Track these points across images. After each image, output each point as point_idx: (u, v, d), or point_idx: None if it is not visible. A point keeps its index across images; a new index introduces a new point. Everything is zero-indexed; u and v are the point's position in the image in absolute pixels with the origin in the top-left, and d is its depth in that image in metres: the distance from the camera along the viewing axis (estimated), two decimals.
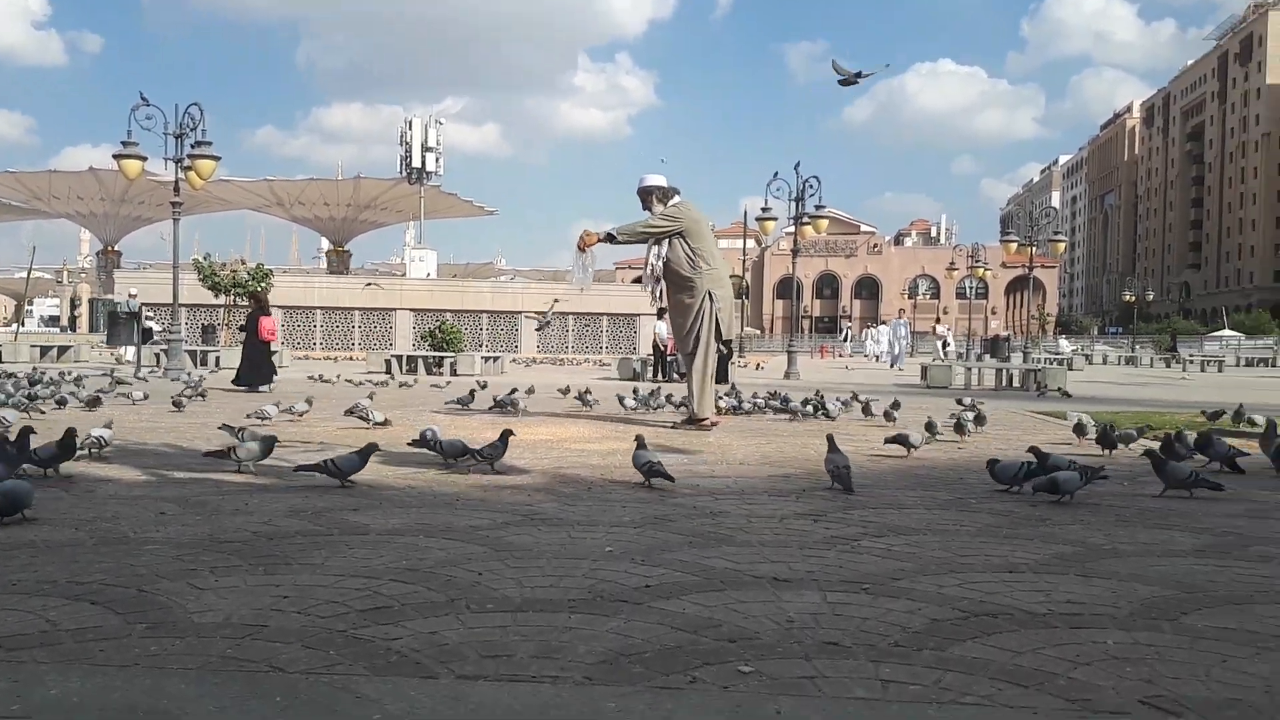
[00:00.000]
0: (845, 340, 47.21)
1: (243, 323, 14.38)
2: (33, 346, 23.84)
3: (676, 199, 7.92)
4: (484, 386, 10.41)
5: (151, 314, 24.72)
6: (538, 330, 32.79)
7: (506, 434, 5.26)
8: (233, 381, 12.64)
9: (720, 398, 8.93)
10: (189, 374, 14.36)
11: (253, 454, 4.91)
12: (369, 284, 32.72)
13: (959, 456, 6.15)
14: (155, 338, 23.17)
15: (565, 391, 9.86)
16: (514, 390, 9.54)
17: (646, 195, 7.95)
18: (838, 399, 9.18)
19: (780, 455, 6.17)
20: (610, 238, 7.82)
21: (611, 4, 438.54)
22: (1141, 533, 3.71)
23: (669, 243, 7.76)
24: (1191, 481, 4.53)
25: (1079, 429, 6.88)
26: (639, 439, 5.00)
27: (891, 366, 26.73)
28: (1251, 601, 2.71)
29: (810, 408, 8.66)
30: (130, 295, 23.60)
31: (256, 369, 12.67)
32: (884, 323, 39.58)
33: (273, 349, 13.61)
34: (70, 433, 4.60)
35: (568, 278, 9.72)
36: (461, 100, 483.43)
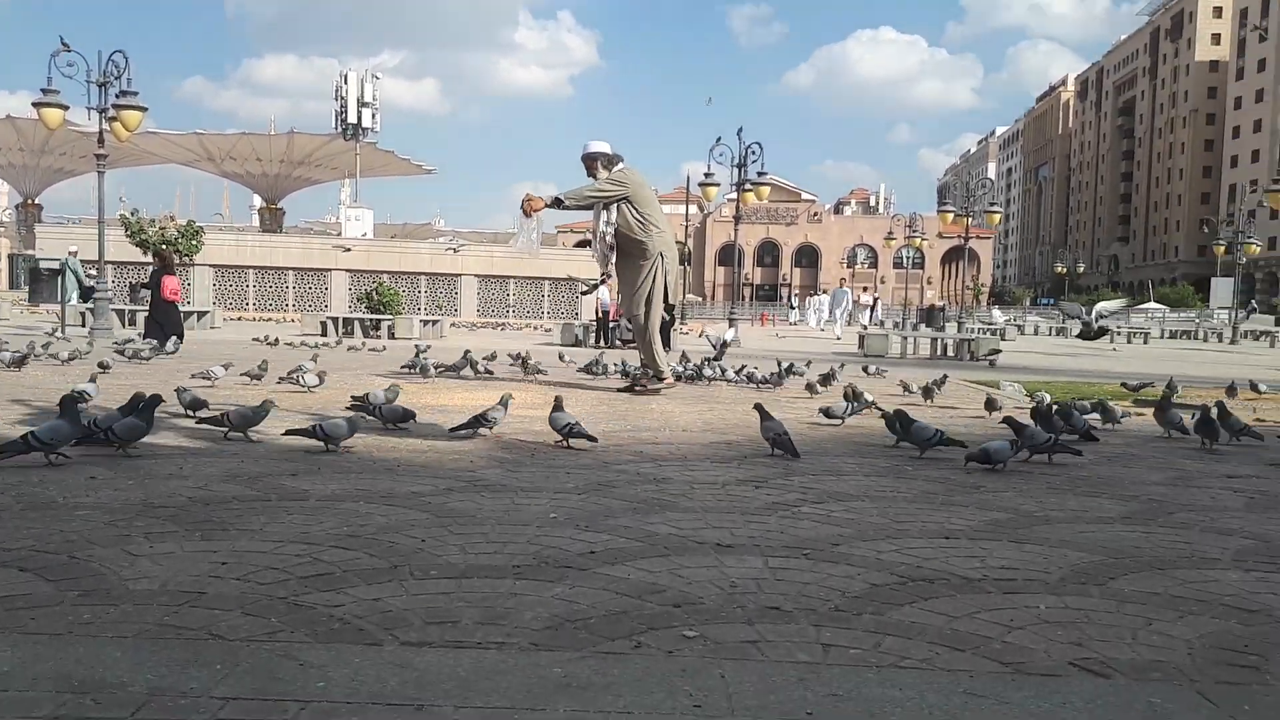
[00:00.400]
0: (793, 308, 45.86)
1: (145, 280, 13.93)
2: None
3: (621, 165, 7.92)
4: (425, 349, 10.29)
5: (94, 271, 23.98)
6: (584, 295, 32.39)
7: (506, 399, 5.20)
8: (142, 339, 12.33)
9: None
10: (144, 338, 13.75)
11: (245, 419, 4.79)
12: (345, 249, 31.47)
13: None
14: (96, 295, 22.46)
15: (517, 358, 9.81)
16: (467, 352, 9.43)
17: (591, 161, 7.94)
18: (785, 369, 9.12)
19: (722, 422, 6.21)
20: (558, 202, 7.79)
21: None
22: (1072, 500, 3.83)
23: (616, 209, 7.77)
24: (1049, 447, 4.74)
25: (989, 404, 6.80)
26: (557, 400, 5.12)
27: (838, 337, 26.96)
28: (1174, 566, 2.81)
29: (773, 374, 8.69)
30: (71, 252, 22.86)
31: (162, 328, 12.39)
32: (824, 291, 39.83)
33: (179, 309, 13.23)
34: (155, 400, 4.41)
35: (512, 243, 9.62)
36: (399, 54, 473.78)
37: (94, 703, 1.69)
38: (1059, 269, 69.87)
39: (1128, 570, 2.75)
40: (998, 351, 13.97)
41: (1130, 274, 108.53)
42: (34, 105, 16.28)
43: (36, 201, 72.49)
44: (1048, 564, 2.79)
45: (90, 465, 3.96)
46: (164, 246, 13.25)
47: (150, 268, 26.37)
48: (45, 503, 3.25)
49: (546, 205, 7.84)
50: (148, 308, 13.02)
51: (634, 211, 7.78)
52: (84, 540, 2.76)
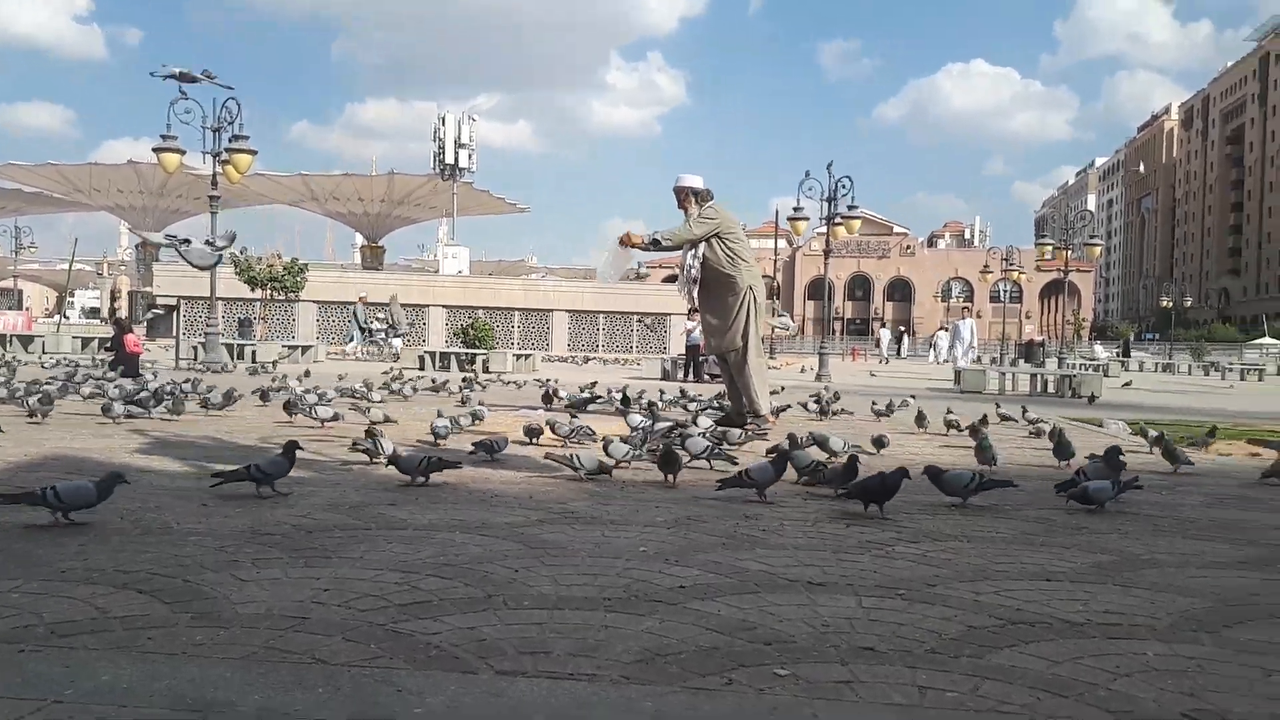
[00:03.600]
0: (931, 346, 38.10)
1: (108, 344, 15.58)
2: (75, 338, 24.21)
3: (710, 203, 7.96)
4: (521, 385, 10.46)
5: (381, 314, 26.01)
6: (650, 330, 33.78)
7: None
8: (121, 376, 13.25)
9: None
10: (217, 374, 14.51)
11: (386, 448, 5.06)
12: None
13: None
14: (375, 335, 25.26)
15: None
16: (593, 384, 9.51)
17: (683, 194, 7.99)
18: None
19: None
20: (655, 243, 7.83)
21: (644, 1, 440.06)
22: (1181, 543, 3.67)
23: (706, 243, 7.79)
24: (811, 469, 4.88)
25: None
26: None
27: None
28: None
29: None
30: (360, 298, 25.83)
31: (131, 370, 13.42)
32: (943, 328, 38.17)
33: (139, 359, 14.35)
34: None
35: (598, 273, 9.74)
36: (494, 97, 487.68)
37: None
38: (1165, 303, 67.18)
39: (1244, 618, 2.62)
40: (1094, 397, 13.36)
41: (1242, 308, 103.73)
42: (154, 150, 17.21)
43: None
44: (1155, 609, 2.68)
45: (203, 493, 4.14)
46: (117, 317, 15.02)
47: (259, 303, 27.90)
48: (161, 528, 3.41)
49: (645, 244, 7.89)
50: (111, 360, 14.20)
51: (724, 246, 7.80)
52: (196, 565, 2.89)
